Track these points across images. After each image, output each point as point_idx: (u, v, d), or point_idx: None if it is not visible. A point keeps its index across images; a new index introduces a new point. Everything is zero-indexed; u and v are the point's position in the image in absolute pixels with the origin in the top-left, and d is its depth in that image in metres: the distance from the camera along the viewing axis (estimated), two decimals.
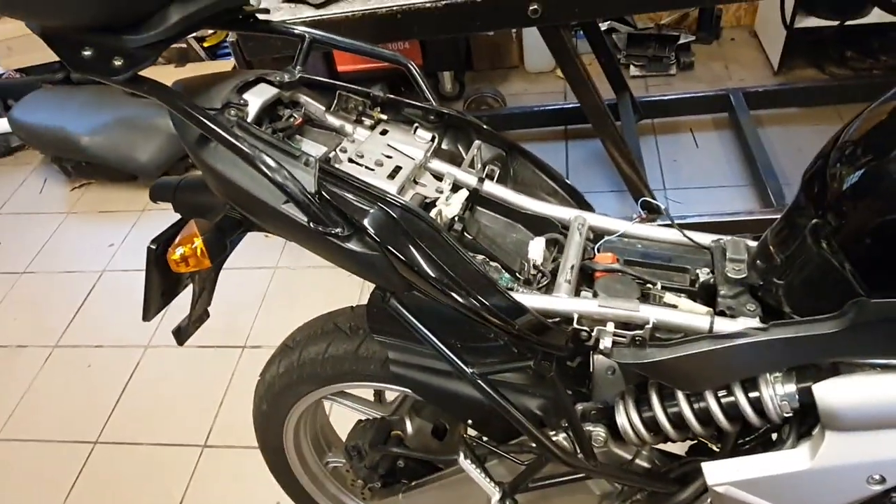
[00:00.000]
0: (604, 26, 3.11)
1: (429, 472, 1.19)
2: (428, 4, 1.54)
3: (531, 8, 1.50)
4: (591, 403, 1.00)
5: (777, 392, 0.82)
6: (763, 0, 3.00)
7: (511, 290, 0.89)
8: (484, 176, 1.03)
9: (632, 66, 3.08)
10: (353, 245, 0.79)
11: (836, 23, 2.71)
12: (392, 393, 1.25)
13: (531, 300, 0.86)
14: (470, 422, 1.04)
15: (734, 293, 0.86)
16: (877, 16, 2.63)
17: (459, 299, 0.80)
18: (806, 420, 0.83)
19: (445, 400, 1.01)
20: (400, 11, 1.56)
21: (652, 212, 2.09)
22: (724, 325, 0.81)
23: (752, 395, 0.83)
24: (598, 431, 0.97)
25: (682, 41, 3.12)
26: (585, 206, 1.06)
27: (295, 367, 1.15)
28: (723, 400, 0.86)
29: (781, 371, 0.82)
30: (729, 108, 2.63)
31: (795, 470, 0.81)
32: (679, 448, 1.03)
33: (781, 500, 0.85)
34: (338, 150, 0.96)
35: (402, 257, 0.79)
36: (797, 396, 0.81)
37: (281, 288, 2.31)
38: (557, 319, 0.86)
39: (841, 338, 0.74)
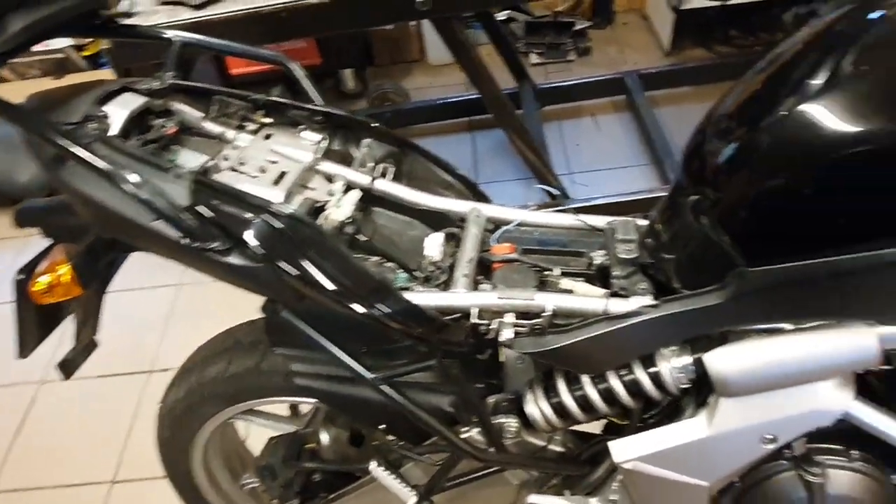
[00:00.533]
0: (502, 16, 3.14)
1: (348, 482, 1.16)
2: (314, 1, 1.49)
3: (420, 0, 1.48)
4: (503, 395, 1.00)
5: (673, 365, 0.84)
6: None
7: (407, 289, 0.87)
8: (377, 175, 1.00)
9: (531, 54, 3.13)
10: (234, 259, 0.75)
11: (718, 3, 2.84)
12: (308, 405, 1.21)
13: (428, 298, 0.84)
14: (383, 426, 1.01)
15: (627, 273, 0.87)
16: None
17: (351, 306, 0.77)
18: (703, 389, 0.85)
19: (354, 407, 0.99)
20: (285, 9, 1.51)
21: (553, 198, 2.14)
22: (618, 305, 0.83)
23: (652, 370, 0.85)
24: (510, 422, 0.97)
25: (577, 27, 3.19)
26: (482, 197, 1.06)
27: (196, 389, 1.09)
28: (624, 378, 0.87)
29: (676, 345, 0.84)
30: (625, 91, 2.71)
31: (695, 438, 0.84)
32: (597, 427, 1.05)
33: (686, 469, 0.87)
34: (218, 158, 0.92)
35: (287, 268, 0.76)
36: (692, 367, 0.83)
37: (188, 305, 2.20)
38: (458, 315, 0.85)
39: (725, 308, 0.76)
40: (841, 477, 0.86)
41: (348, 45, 2.65)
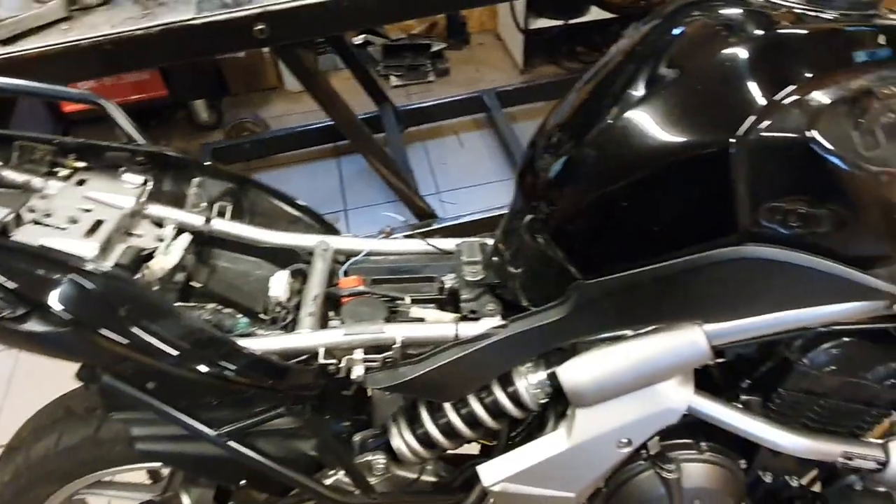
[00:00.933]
0: (358, 40, 3.13)
1: None
2: (140, 32, 1.39)
3: (257, 28, 1.43)
4: (370, 431, 0.96)
5: (530, 382, 0.84)
6: (500, 4, 3.22)
7: (250, 335, 0.81)
8: (214, 215, 0.94)
9: (392, 77, 3.14)
10: (33, 326, 0.66)
11: (561, 23, 3.00)
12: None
13: (271, 342, 0.79)
14: (243, 482, 0.94)
15: (475, 295, 0.87)
16: (595, 14, 2.96)
17: (178, 364, 0.71)
18: (561, 402, 0.86)
19: (207, 467, 0.91)
20: (109, 42, 1.39)
21: (426, 217, 2.13)
22: (468, 329, 0.82)
23: (510, 389, 0.85)
24: (378, 459, 0.93)
25: (435, 49, 3.24)
26: (330, 229, 1.02)
27: (24, 470, 0.97)
28: (485, 400, 0.87)
29: (531, 361, 0.85)
30: (485, 108, 2.78)
31: (558, 452, 0.85)
32: (474, 448, 1.03)
33: (552, 484, 0.88)
34: (22, 210, 0.82)
35: (105, 332, 0.68)
36: (548, 382, 0.84)
37: (29, 372, 1.97)
38: (306, 357, 0.81)
39: (569, 321, 0.77)
40: (694, 469, 0.90)
41: (197, 75, 2.52)
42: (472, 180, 2.63)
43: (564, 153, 0.77)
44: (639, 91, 0.72)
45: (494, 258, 0.89)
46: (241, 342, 0.78)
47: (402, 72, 3.16)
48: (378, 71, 3.10)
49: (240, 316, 0.84)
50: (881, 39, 0.66)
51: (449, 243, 0.98)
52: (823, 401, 0.82)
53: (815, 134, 0.60)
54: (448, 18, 3.35)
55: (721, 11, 0.75)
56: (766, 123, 0.61)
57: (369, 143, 1.90)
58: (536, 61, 3.21)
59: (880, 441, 0.83)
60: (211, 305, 0.84)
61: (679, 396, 0.81)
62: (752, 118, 0.61)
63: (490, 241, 0.95)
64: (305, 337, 0.80)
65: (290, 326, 0.84)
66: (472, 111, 2.83)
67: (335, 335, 0.79)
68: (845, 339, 0.76)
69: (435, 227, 2.11)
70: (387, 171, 1.95)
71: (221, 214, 0.95)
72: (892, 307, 0.67)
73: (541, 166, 0.81)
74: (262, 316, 0.88)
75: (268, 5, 1.46)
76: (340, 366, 0.80)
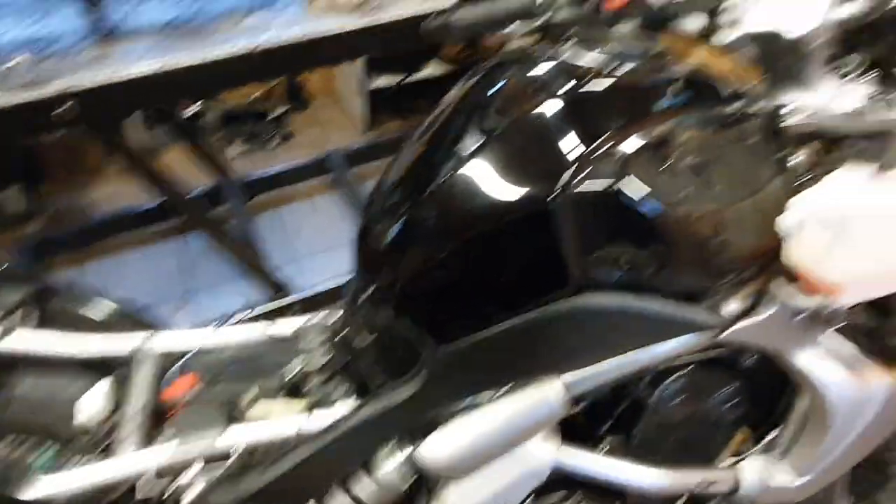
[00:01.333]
0: (193, 109, 2.99)
1: None
2: None
3: (63, 109, 1.30)
4: None
5: (395, 462, 0.79)
6: (339, 67, 3.23)
7: (57, 469, 0.69)
8: (10, 327, 0.81)
9: (233, 146, 3.02)
10: None
11: (401, 78, 3.06)
12: None
13: (84, 475, 0.68)
14: None
15: (323, 379, 0.81)
16: (435, 68, 3.06)
17: None
18: (432, 477, 0.81)
19: None
20: None
21: (279, 290, 2.02)
22: (319, 420, 0.75)
23: (375, 474, 0.79)
24: None
25: (275, 114, 3.17)
26: (155, 326, 0.92)
27: None
28: (352, 492, 0.79)
29: (391, 441, 0.79)
30: (333, 170, 2.74)
31: None
32: None
33: None
34: None
35: None
36: (413, 461, 0.79)
37: None
38: (132, 483, 0.70)
39: (424, 393, 0.74)
40: None
41: (3, 161, 2.25)
42: (328, 244, 2.56)
43: (399, 216, 0.75)
44: (463, 152, 0.71)
45: (341, 335, 0.84)
46: (47, 480, 0.66)
47: (243, 139, 3.05)
48: (217, 141, 2.97)
49: (44, 447, 0.71)
50: (677, 87, 0.70)
51: (293, 324, 0.91)
52: (677, 432, 0.83)
53: (624, 184, 0.61)
54: (287, 82, 3.30)
55: (530, 73, 0.76)
56: (579, 177, 0.62)
57: (206, 219, 1.78)
58: (382, 118, 3.24)
59: (731, 461, 0.87)
60: (7, 439, 0.71)
61: (545, 453, 0.79)
62: (567, 173, 0.62)
63: (337, 317, 0.89)
64: (126, 461, 0.69)
65: (107, 451, 0.73)
66: (320, 174, 2.78)
67: (162, 453, 0.69)
68: (685, 371, 0.78)
69: (292, 299, 2.01)
70: (230, 247, 1.83)
71: (23, 322, 0.82)
72: (718, 336, 0.70)
73: (378, 231, 0.78)
74: (74, 443, 0.76)
75: (74, 84, 1.33)
76: (171, 488, 0.70)
